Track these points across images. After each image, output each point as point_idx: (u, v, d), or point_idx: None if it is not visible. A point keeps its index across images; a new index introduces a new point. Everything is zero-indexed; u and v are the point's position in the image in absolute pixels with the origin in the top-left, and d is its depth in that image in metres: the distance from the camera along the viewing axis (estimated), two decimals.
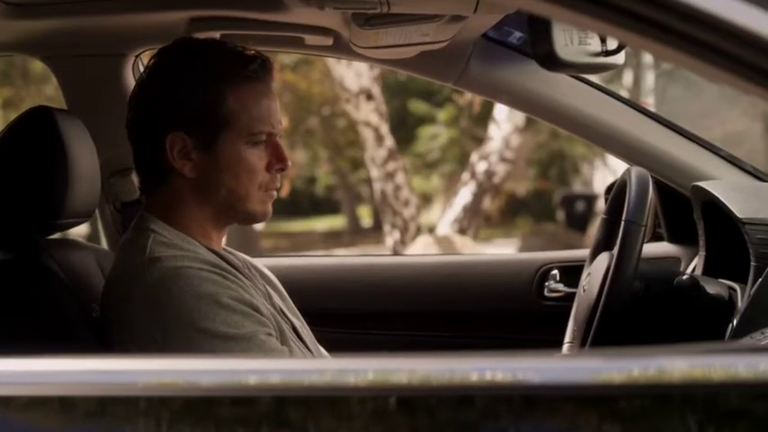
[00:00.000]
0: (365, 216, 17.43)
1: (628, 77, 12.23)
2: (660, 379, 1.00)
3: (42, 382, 1.07)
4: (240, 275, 1.74)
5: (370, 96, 8.23)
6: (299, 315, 1.92)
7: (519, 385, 0.99)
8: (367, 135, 8.44)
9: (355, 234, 16.01)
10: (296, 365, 1.11)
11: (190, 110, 1.73)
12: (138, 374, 1.06)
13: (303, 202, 17.13)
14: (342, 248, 13.99)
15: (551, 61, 2.06)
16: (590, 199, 13.33)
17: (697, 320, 1.98)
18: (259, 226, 14.40)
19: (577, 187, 14.59)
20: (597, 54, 2.06)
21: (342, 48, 2.27)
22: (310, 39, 2.23)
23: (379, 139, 8.37)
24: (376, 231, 13.89)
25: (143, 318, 1.66)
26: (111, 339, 1.71)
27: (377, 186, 8.66)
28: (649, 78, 12.46)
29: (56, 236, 1.90)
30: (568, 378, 1.02)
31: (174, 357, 1.20)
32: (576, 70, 2.22)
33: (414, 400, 1.00)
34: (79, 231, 11.15)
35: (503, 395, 0.99)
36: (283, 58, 10.86)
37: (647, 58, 11.88)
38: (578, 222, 12.91)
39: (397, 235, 8.46)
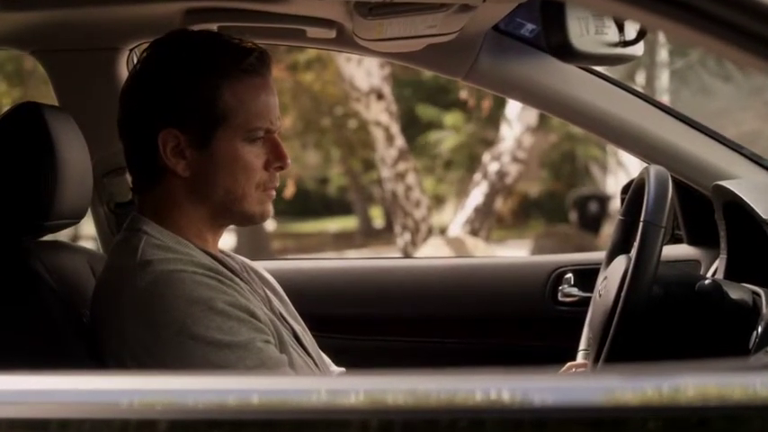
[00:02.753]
0: (377, 217, 17.50)
1: (641, 77, 12.19)
2: (676, 400, 0.95)
3: (31, 401, 1.03)
4: (237, 279, 1.68)
5: (380, 96, 8.23)
6: (300, 320, 1.87)
7: (528, 408, 0.94)
8: (377, 135, 8.44)
9: (367, 235, 16.07)
10: (288, 385, 1.05)
11: (184, 105, 1.67)
12: (128, 394, 1.02)
13: (315, 203, 17.24)
14: (353, 250, 14.03)
15: (566, 52, 2.01)
16: (603, 200, 13.33)
17: (719, 327, 1.93)
18: (270, 226, 14.44)
19: (591, 188, 14.59)
20: (615, 44, 2.03)
21: (346, 41, 2.22)
22: (312, 31, 2.19)
23: (390, 138, 8.38)
24: (388, 232, 13.92)
25: (134, 323, 1.60)
26: (101, 346, 1.65)
27: (387, 187, 8.65)
28: (663, 77, 12.44)
29: (64, 236, 1.85)
30: (581, 399, 0.97)
31: (164, 375, 1.17)
32: (592, 62, 2.18)
33: (415, 423, 0.95)
34: (88, 232, 11.16)
35: (512, 418, 0.94)
36: (297, 58, 10.87)
37: (662, 56, 11.85)
38: (591, 223, 12.91)
39: (408, 236, 8.44)
